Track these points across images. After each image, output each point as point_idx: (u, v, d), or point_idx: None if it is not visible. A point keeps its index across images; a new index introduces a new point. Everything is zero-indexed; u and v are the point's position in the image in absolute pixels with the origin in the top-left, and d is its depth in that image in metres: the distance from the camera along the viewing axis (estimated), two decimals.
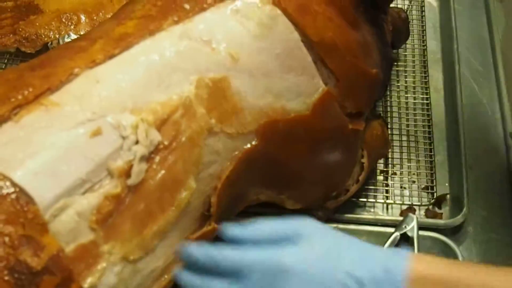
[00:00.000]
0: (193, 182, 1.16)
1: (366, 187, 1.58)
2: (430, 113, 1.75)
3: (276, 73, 1.24)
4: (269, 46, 1.23)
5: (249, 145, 1.24)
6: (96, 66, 1.12)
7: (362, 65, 1.34)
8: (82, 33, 1.75)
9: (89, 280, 1.02)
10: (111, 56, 1.14)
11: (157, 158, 1.11)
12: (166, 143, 1.12)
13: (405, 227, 1.43)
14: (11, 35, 1.83)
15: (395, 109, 1.76)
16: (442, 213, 1.57)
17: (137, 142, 1.07)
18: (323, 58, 1.28)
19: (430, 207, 1.58)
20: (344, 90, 1.32)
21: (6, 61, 1.87)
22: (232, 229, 1.08)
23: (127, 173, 1.06)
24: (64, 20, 1.80)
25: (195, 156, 1.16)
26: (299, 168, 1.36)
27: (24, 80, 1.10)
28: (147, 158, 1.08)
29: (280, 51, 1.24)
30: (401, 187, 1.62)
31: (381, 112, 1.73)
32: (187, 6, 1.21)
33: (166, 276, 1.15)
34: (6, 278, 0.93)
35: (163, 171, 1.11)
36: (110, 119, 1.06)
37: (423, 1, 1.98)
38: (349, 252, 1.01)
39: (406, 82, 1.82)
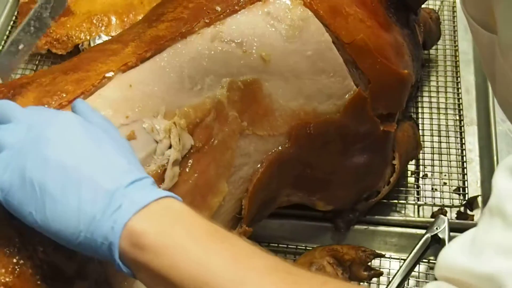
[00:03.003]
0: (225, 185, 1.16)
1: (397, 188, 1.58)
2: (461, 114, 1.74)
3: (308, 75, 1.24)
4: (301, 48, 1.23)
5: (280, 148, 1.24)
6: (129, 70, 1.13)
7: (393, 67, 1.33)
8: (113, 34, 1.75)
9: None
10: (143, 59, 1.14)
11: (190, 162, 1.11)
12: (198, 146, 1.12)
13: (437, 228, 1.42)
14: (42, 37, 1.84)
15: (426, 110, 1.75)
16: (473, 215, 1.55)
17: (170, 147, 1.07)
18: (354, 60, 1.28)
19: (462, 208, 1.57)
20: (376, 91, 1.31)
21: (37, 62, 1.88)
22: None
23: (160, 178, 1.06)
24: (95, 22, 1.80)
25: (227, 159, 1.16)
26: (331, 170, 1.35)
27: (57, 84, 1.10)
28: (180, 162, 1.08)
29: (312, 53, 1.23)
30: (432, 188, 1.61)
31: (412, 113, 1.72)
32: (218, 8, 1.21)
33: None
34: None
35: (195, 175, 1.11)
36: (143, 123, 1.07)
37: (455, 2, 1.96)
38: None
39: (437, 83, 1.81)
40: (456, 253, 0.81)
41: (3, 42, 1.91)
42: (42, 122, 0.91)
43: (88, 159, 0.89)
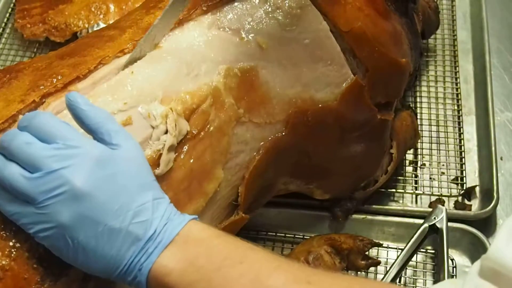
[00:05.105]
0: (221, 172, 1.16)
1: (395, 177, 1.57)
2: (460, 103, 1.73)
3: (305, 63, 1.24)
4: (298, 36, 1.23)
5: (277, 135, 1.24)
6: (125, 56, 1.13)
7: (391, 55, 1.33)
8: (111, 22, 1.75)
9: None
10: None
11: (186, 148, 1.11)
12: (194, 132, 1.12)
13: (434, 218, 1.42)
14: (40, 25, 1.84)
15: (424, 99, 1.74)
16: (471, 205, 1.55)
17: (166, 132, 1.07)
18: (352, 48, 1.28)
19: (460, 198, 1.56)
20: (373, 80, 1.31)
21: (35, 50, 1.88)
22: None
23: (155, 163, 1.06)
24: (93, 10, 1.80)
25: (223, 146, 1.16)
26: (328, 158, 1.35)
27: (53, 68, 1.10)
28: (175, 148, 1.08)
29: (309, 41, 1.23)
30: (430, 178, 1.61)
31: (410, 103, 1.71)
32: None
33: None
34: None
35: (191, 160, 1.11)
36: (140, 108, 1.07)
37: None
38: None
39: (436, 72, 1.80)
40: (507, 249, 0.82)
41: (1, 29, 1.91)
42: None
43: (113, 207, 0.91)
